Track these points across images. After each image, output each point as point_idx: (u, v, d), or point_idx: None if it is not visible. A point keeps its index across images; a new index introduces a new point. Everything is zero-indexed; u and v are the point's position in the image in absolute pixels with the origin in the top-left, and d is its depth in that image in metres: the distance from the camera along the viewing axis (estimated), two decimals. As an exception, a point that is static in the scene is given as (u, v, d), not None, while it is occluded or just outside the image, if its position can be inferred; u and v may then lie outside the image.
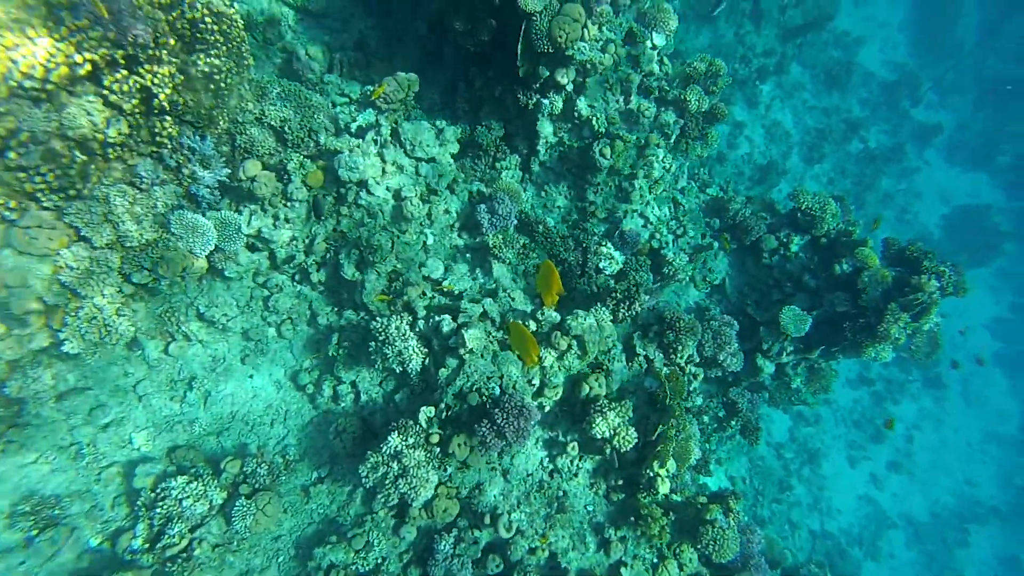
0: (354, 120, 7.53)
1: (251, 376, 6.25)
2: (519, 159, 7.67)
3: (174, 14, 4.71)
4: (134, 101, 4.43)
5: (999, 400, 23.85)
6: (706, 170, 10.16)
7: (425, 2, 7.73)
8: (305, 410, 6.28)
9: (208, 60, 5.19)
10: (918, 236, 22.14)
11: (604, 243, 7.65)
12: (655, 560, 5.81)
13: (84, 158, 4.27)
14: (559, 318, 5.67)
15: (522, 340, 4.60)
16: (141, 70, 4.42)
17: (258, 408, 6.19)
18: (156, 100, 4.60)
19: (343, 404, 6.20)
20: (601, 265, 7.40)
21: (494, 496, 5.68)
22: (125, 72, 4.28)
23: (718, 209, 9.22)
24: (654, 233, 8.16)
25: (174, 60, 4.78)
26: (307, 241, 6.09)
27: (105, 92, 4.21)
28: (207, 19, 4.95)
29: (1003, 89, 23.74)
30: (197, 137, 5.27)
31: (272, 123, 6.30)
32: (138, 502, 5.06)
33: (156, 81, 4.50)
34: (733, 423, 8.17)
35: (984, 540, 20.70)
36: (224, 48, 5.36)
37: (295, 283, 6.29)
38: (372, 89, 7.02)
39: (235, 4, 6.75)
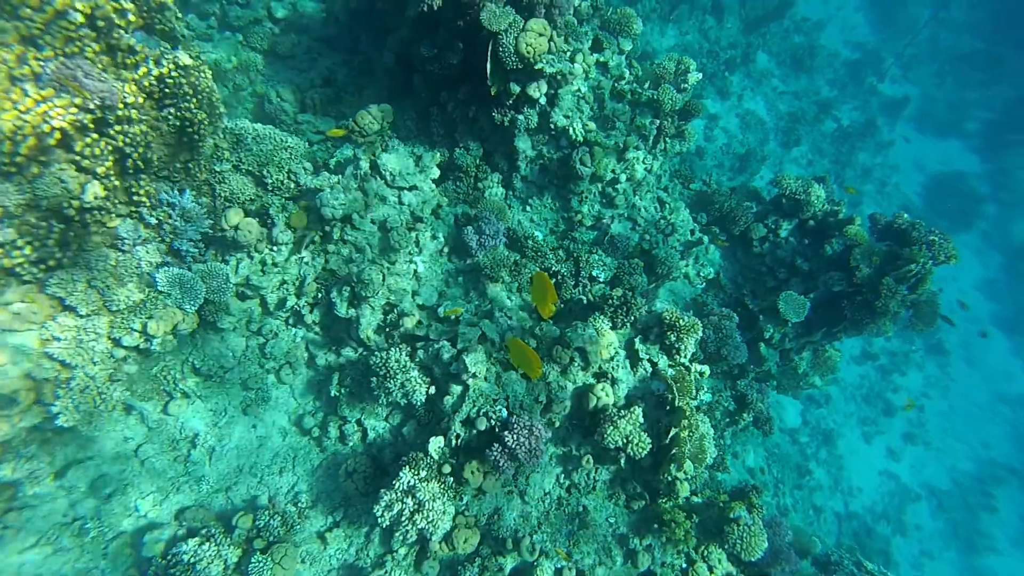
0: (332, 156, 7.53)
1: (255, 426, 6.14)
2: (500, 176, 7.67)
3: (140, 72, 4.69)
4: (107, 163, 4.38)
5: (1002, 360, 23.91)
6: (687, 166, 10.23)
7: (392, 32, 7.78)
8: (313, 454, 6.15)
9: (179, 114, 5.16)
10: (901, 207, 22.38)
11: (595, 250, 7.64)
12: (684, 565, 5.70)
13: (61, 227, 4.21)
14: (559, 332, 5.61)
15: (523, 355, 4.53)
16: (111, 131, 4.38)
17: (265, 458, 6.07)
18: (130, 160, 4.56)
19: (351, 444, 6.08)
20: (594, 273, 7.37)
21: (513, 519, 5.57)
22: (95, 136, 4.23)
23: (704, 203, 9.24)
24: (643, 234, 8.15)
25: (144, 118, 4.75)
26: (297, 283, 6.03)
27: (77, 158, 4.16)
28: (174, 74, 4.93)
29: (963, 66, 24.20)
30: (176, 192, 5.22)
31: (250, 169, 6.27)
32: (149, 572, 4.90)
33: (128, 141, 4.46)
34: (745, 415, 8.10)
35: (1007, 503, 20.59)
36: (194, 100, 5.34)
37: (289, 326, 6.21)
38: (339, 126, 7.05)
39: (202, 55, 6.78)
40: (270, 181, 6.26)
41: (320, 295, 6.06)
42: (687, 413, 5.55)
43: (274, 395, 6.24)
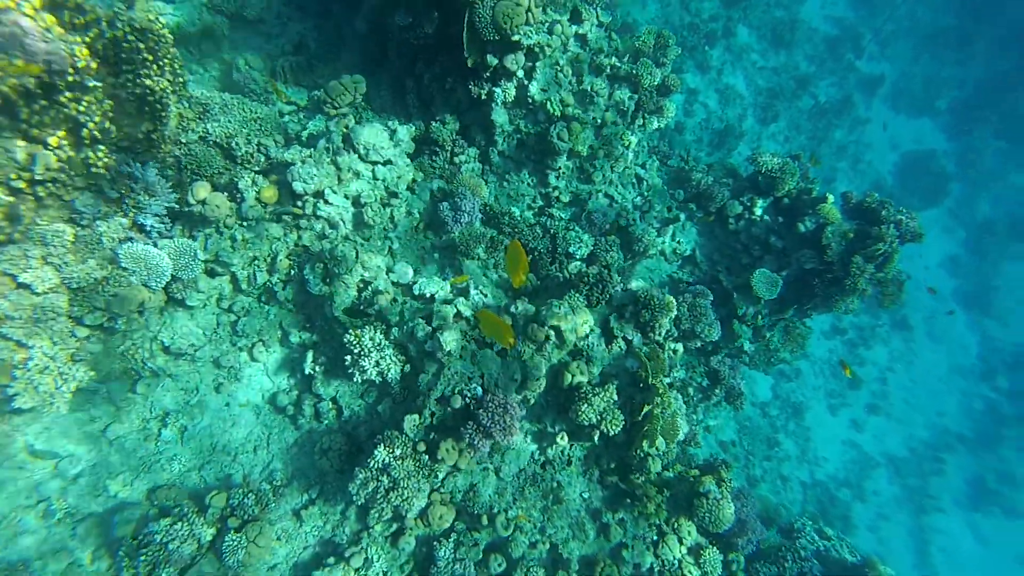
0: (304, 128, 7.29)
1: (227, 404, 6.04)
2: (477, 151, 7.53)
3: (90, 34, 4.41)
4: (59, 133, 4.15)
5: (960, 334, 24.84)
6: (666, 142, 10.18)
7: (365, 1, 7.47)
8: (288, 432, 6.11)
9: (138, 81, 4.90)
10: (873, 184, 22.79)
11: (572, 226, 7.60)
12: (655, 538, 5.87)
13: (10, 199, 4.00)
14: (534, 310, 5.61)
15: (494, 326, 4.47)
16: (62, 98, 4.13)
17: (239, 436, 6.00)
18: (85, 130, 4.32)
19: (326, 421, 6.05)
20: (571, 250, 7.35)
21: (489, 495, 5.64)
22: (44, 102, 3.99)
23: (681, 180, 9.24)
24: (620, 212, 8.13)
25: (99, 85, 4.50)
26: (269, 259, 5.88)
27: (23, 126, 3.93)
28: (130, 37, 4.66)
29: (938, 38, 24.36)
30: (137, 164, 4.99)
31: (218, 140, 6.03)
32: (120, 552, 4.85)
33: (82, 109, 4.23)
34: (717, 391, 8.28)
35: (954, 467, 21.71)
36: (155, 67, 5.07)
37: (262, 304, 6.08)
38: (317, 95, 6.81)
39: (162, 18, 6.42)
40: (239, 154, 6.03)
41: (293, 272, 5.92)
42: (660, 391, 5.64)
43: (247, 373, 6.14)
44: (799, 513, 14.92)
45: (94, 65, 4.38)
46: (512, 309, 5.58)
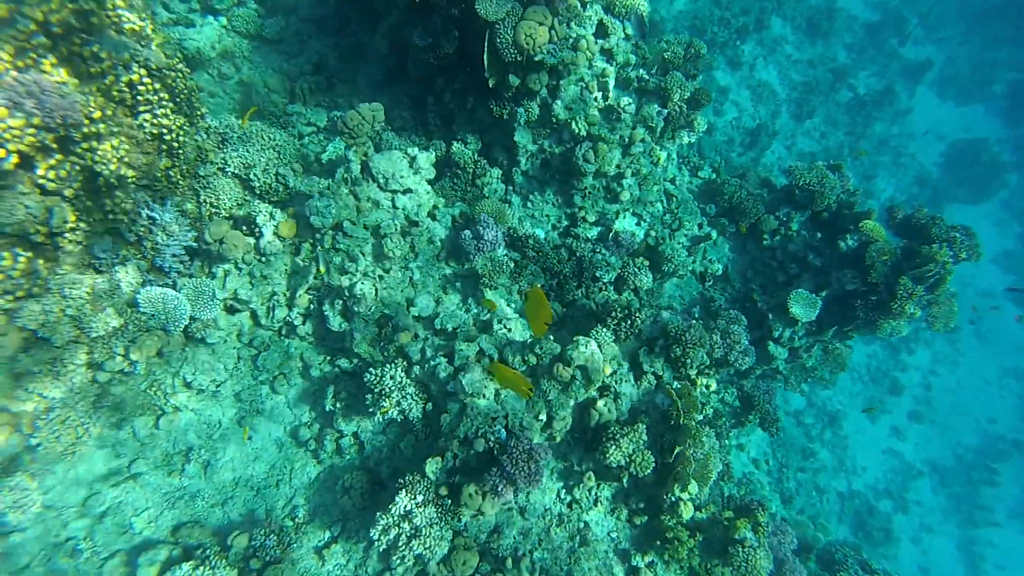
0: (324, 151, 7.19)
1: (250, 438, 6.02)
2: (499, 171, 7.32)
3: (107, 81, 4.35)
4: (76, 184, 4.10)
5: (1012, 334, 23.53)
6: (695, 149, 9.78)
7: (382, 17, 7.30)
8: (310, 466, 6.05)
9: (155, 121, 4.84)
10: (917, 178, 21.65)
11: (598, 248, 7.33)
12: (687, 578, 5.63)
13: (28, 255, 3.97)
14: (559, 349, 5.38)
15: (510, 381, 4.26)
16: (79, 149, 4.08)
17: (261, 471, 5.97)
18: (101, 179, 4.27)
19: (348, 457, 5.97)
20: (598, 274, 7.09)
21: (513, 538, 5.47)
22: (60, 157, 3.95)
23: (712, 193, 8.84)
24: (649, 230, 7.82)
25: (116, 130, 4.44)
26: (288, 294, 5.80)
27: (41, 181, 3.89)
28: (146, 80, 4.59)
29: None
30: (156, 205, 4.95)
31: (237, 172, 5.97)
32: (145, 597, 4.87)
33: (98, 159, 4.17)
34: (751, 417, 7.94)
35: (1010, 476, 20.60)
36: (171, 105, 5.01)
37: (282, 338, 6.02)
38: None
39: (179, 52, 6.37)
40: (257, 185, 5.96)
41: (312, 306, 5.83)
42: (692, 431, 5.36)
43: (268, 406, 6.10)
44: (838, 542, 14.44)
45: (110, 112, 4.32)
46: (537, 349, 5.37)
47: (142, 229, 4.80)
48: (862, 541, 15.90)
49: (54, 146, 3.90)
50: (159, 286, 4.87)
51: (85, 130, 4.00)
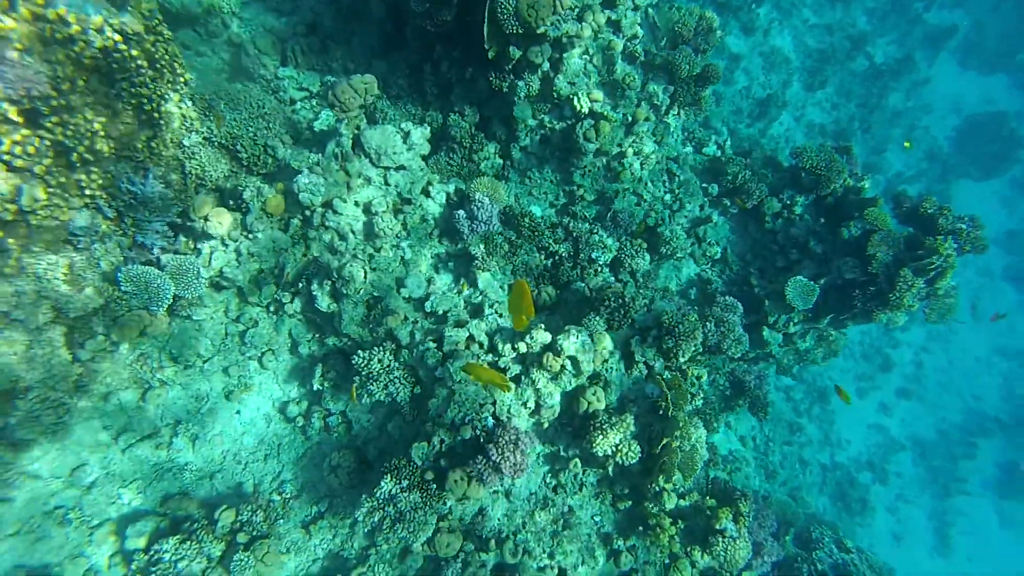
0: (316, 118, 6.92)
1: (238, 412, 6.02)
2: (497, 146, 7.06)
3: (77, 47, 4.08)
4: (47, 161, 3.91)
5: (1010, 315, 23.54)
6: (698, 123, 9.42)
7: (380, -23, 6.87)
8: (298, 442, 6.08)
9: (133, 91, 4.59)
10: (927, 152, 21.12)
11: (596, 229, 7.16)
12: (667, 561, 5.76)
13: None
14: (550, 338, 5.31)
15: (487, 379, 4.20)
16: (47, 123, 3.86)
17: (249, 444, 6.00)
18: (75, 154, 4.07)
19: (335, 434, 5.99)
20: (594, 256, 6.95)
21: (498, 520, 5.56)
22: (26, 131, 3.74)
23: (715, 172, 8.59)
24: (649, 211, 7.63)
25: (88, 100, 4.20)
26: (276, 272, 5.67)
27: (7, 158, 3.69)
28: (120, 47, 4.31)
29: None
30: (137, 178, 4.75)
31: (223, 142, 5.73)
32: (132, 567, 4.95)
33: (69, 133, 3.96)
34: (741, 401, 7.97)
35: (988, 451, 21.09)
36: (150, 72, 4.74)
37: (270, 314, 5.93)
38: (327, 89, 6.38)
39: (160, 11, 6.02)
40: (244, 156, 5.73)
41: (301, 285, 5.71)
42: (680, 423, 5.36)
43: (257, 381, 6.07)
44: (816, 497, 14.74)
45: (82, 81, 4.08)
46: (527, 338, 5.28)
47: (122, 204, 4.62)
48: (841, 511, 16.41)
49: (19, 120, 3.69)
50: (141, 263, 4.73)
51: (53, 103, 3.77)
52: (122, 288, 4.58)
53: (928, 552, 19.60)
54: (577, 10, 6.18)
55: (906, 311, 7.13)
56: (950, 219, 7.19)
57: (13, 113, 3.57)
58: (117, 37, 4.29)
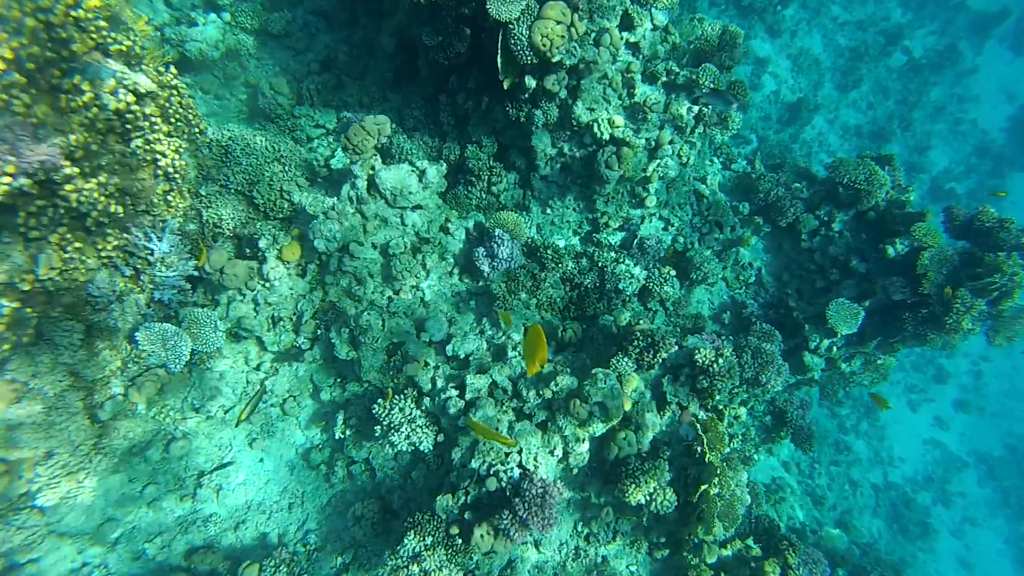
0: (333, 155, 6.89)
1: (261, 460, 5.95)
2: (517, 176, 6.88)
3: (91, 112, 4.09)
4: (62, 229, 3.90)
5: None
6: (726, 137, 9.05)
7: (390, 14, 6.82)
8: (322, 490, 5.96)
9: (148, 148, 4.59)
10: (977, 147, 19.91)
11: (622, 257, 6.89)
12: (710, 614, 5.38)
13: (14, 305, 3.81)
14: (576, 383, 5.04)
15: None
16: (62, 191, 3.86)
17: (273, 493, 5.92)
18: (89, 219, 4.06)
19: (359, 482, 5.85)
20: (620, 286, 6.67)
21: (528, 573, 5.29)
22: (41, 202, 3.73)
23: (746, 189, 8.21)
24: (677, 236, 7.31)
25: (103, 163, 4.20)
26: (294, 319, 5.59)
27: (22, 229, 3.69)
28: (134, 108, 4.31)
29: None
30: (153, 235, 4.74)
31: (240, 189, 5.72)
32: (158, 629, 4.89)
33: (84, 199, 3.95)
34: (783, 434, 7.51)
35: (1067, 467, 19.53)
36: (163, 128, 4.74)
37: (290, 362, 5.85)
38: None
39: (175, 63, 6.08)
40: (261, 202, 5.71)
41: (320, 331, 5.62)
42: (718, 469, 5.02)
43: (280, 428, 6.00)
44: (869, 520, 13.81)
45: (95, 147, 4.08)
46: (552, 385, 5.04)
47: (139, 262, 4.61)
48: (897, 534, 15.42)
49: (34, 191, 3.69)
50: (158, 320, 4.70)
51: (66, 172, 3.76)
52: (140, 347, 4.55)
53: (1009, 581, 18.20)
54: (594, 35, 5.98)
55: (965, 335, 6.59)
56: (1013, 232, 6.63)
57: (28, 185, 3.56)
58: (131, 99, 4.29)
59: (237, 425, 5.31)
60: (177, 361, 4.64)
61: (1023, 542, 17.88)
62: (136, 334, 4.54)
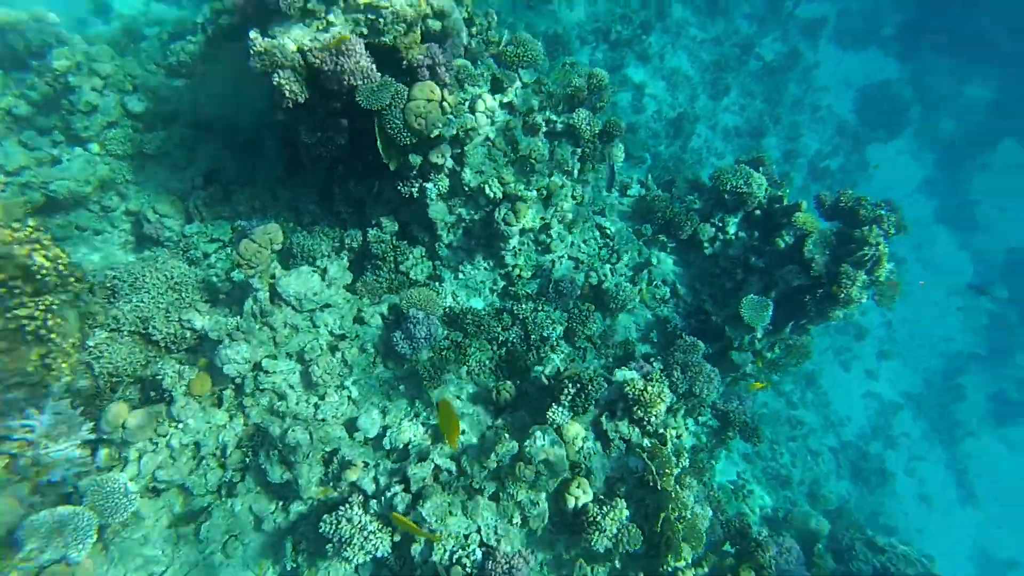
0: (233, 267, 6.67)
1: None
2: (422, 250, 6.93)
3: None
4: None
5: (950, 255, 24.59)
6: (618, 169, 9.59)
7: (269, 114, 6.81)
8: (285, 624, 5.53)
9: (9, 315, 4.27)
10: (837, 128, 22.20)
11: (540, 305, 7.05)
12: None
13: None
14: (516, 447, 5.03)
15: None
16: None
17: (230, 645, 5.42)
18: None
19: (323, 605, 5.47)
20: (545, 333, 6.80)
21: (516, 652, 5.10)
22: None
23: (644, 211, 8.67)
24: (588, 272, 7.58)
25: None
26: (217, 454, 5.27)
27: None
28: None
29: None
30: (31, 411, 4.33)
31: (134, 328, 5.40)
32: None
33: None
34: (731, 432, 7.80)
35: (973, 388, 21.49)
36: (28, 288, 4.44)
37: (223, 499, 5.47)
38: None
39: (52, 186, 5.78)
40: (160, 338, 5.40)
41: (248, 459, 5.32)
42: (672, 494, 5.12)
43: (224, 573, 5.53)
44: (835, 483, 14.41)
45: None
46: (494, 453, 4.99)
47: (16, 445, 4.19)
48: (862, 488, 16.21)
49: None
50: (52, 504, 4.24)
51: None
52: (26, 547, 4.02)
53: (958, 504, 19.54)
54: (467, 102, 6.22)
55: (857, 304, 7.19)
56: (869, 208, 7.37)
57: None
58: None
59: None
60: (82, 545, 4.16)
61: (959, 463, 19.40)
62: (19, 532, 4.02)
